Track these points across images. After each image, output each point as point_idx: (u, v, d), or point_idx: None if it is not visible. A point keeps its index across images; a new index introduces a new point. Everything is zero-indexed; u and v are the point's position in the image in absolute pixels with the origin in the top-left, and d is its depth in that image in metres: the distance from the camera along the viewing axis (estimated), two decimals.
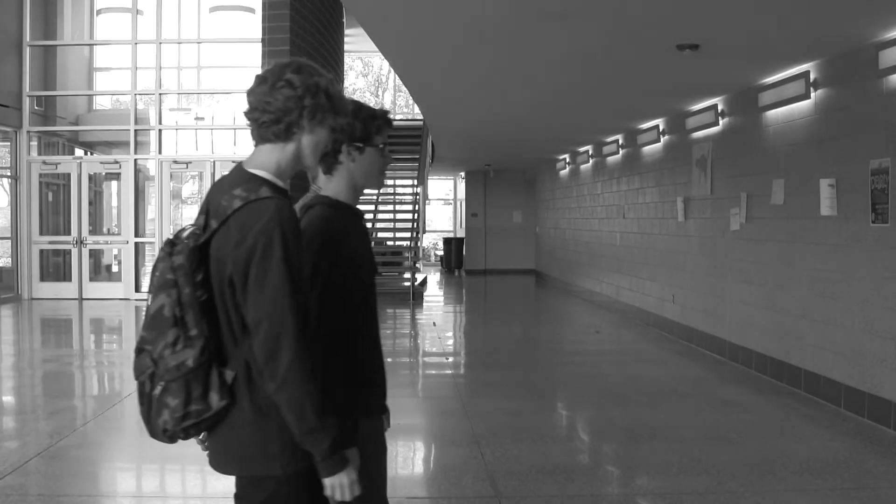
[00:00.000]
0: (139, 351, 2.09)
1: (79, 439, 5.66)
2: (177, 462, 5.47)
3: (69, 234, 14.99)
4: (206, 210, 2.13)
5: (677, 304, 9.81)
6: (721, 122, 8.61)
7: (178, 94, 16.53)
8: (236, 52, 15.78)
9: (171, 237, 2.11)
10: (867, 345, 5.95)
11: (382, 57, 9.69)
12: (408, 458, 5.64)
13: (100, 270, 16.24)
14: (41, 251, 15.03)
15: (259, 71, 2.17)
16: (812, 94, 6.73)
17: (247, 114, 2.11)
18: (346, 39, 20.28)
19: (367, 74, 34.00)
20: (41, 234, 14.98)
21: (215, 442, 2.15)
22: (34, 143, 15.28)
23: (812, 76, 6.73)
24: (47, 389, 7.63)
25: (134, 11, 15.20)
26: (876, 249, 5.82)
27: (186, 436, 2.11)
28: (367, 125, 2.47)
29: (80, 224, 14.90)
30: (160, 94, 15.27)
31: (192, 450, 6.22)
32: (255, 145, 2.16)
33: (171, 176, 15.14)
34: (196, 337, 2.03)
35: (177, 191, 15.95)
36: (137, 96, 15.33)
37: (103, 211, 16.83)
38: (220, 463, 2.17)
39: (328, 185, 2.51)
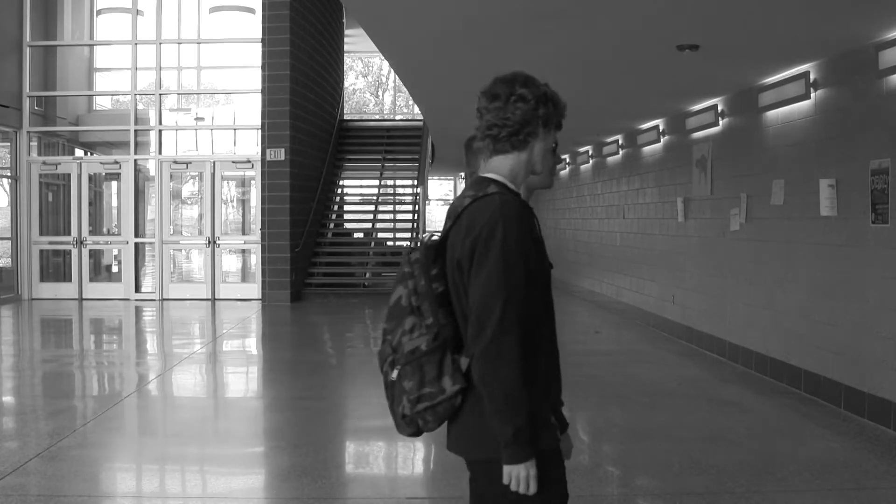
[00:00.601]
0: (382, 342, 2.28)
1: (79, 439, 5.66)
2: (177, 462, 5.48)
3: (69, 234, 14.99)
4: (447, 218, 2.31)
5: (677, 304, 9.81)
6: (721, 122, 8.61)
7: (178, 94, 16.54)
8: (236, 53, 15.79)
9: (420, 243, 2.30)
10: (867, 345, 5.95)
11: (382, 57, 9.70)
12: (408, 458, 5.64)
13: (100, 271, 16.25)
14: (41, 251, 15.03)
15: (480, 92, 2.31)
16: (812, 95, 6.73)
17: (484, 131, 2.27)
18: (346, 39, 20.31)
19: (367, 74, 34.03)
20: (41, 234, 14.98)
21: (462, 428, 2.23)
22: (34, 144, 15.28)
23: (812, 76, 6.73)
24: (47, 389, 7.63)
25: (134, 11, 15.21)
26: (876, 249, 5.82)
27: (425, 424, 2.22)
28: None
29: (80, 224, 14.90)
30: (160, 95, 15.27)
31: (192, 450, 6.20)
32: (488, 158, 2.32)
33: (171, 176, 15.14)
34: (431, 325, 2.19)
35: (177, 191, 15.95)
36: (137, 96, 15.34)
37: (103, 211, 16.83)
38: (461, 447, 2.26)
39: None
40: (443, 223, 2.32)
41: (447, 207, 2.35)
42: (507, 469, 2.09)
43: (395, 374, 2.21)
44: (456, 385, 2.16)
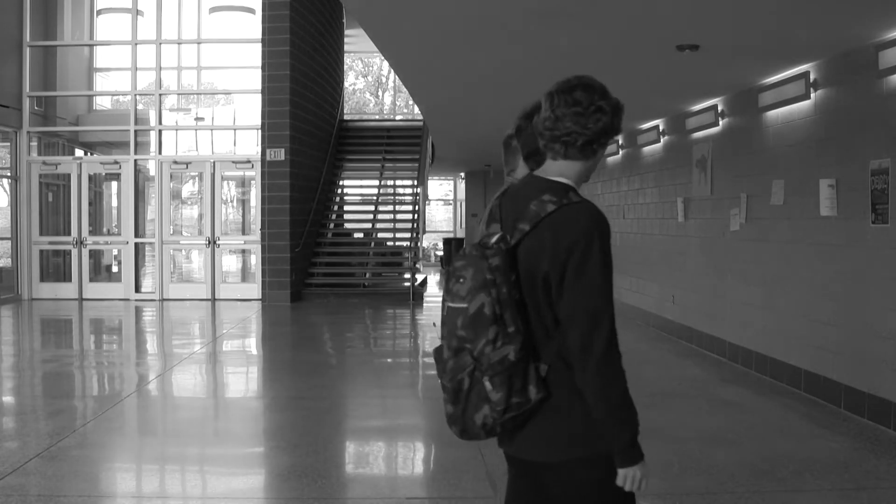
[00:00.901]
0: (458, 350, 2.20)
1: (79, 439, 5.66)
2: (177, 462, 5.48)
3: (69, 234, 14.99)
4: (499, 218, 2.30)
5: (677, 304, 9.81)
6: (721, 122, 8.61)
7: (178, 94, 16.54)
8: (236, 53, 15.78)
9: (478, 243, 2.25)
10: (867, 345, 5.95)
11: (382, 57, 9.73)
12: (408, 458, 5.64)
13: (100, 271, 16.25)
14: (41, 251, 15.03)
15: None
16: (812, 95, 6.73)
17: (560, 135, 2.24)
18: (346, 39, 20.30)
19: (367, 74, 34.03)
20: (41, 234, 14.98)
21: (533, 432, 2.24)
22: (34, 144, 15.28)
23: (812, 76, 6.73)
24: (47, 389, 7.63)
25: (134, 12, 15.21)
26: (876, 249, 5.82)
27: (503, 430, 2.22)
28: None
29: (80, 224, 14.90)
30: (160, 95, 15.27)
31: (192, 450, 6.19)
32: (551, 159, 2.30)
33: (171, 176, 15.14)
34: (514, 333, 2.15)
35: (177, 191, 15.95)
36: (137, 96, 15.34)
37: (103, 211, 16.84)
38: (531, 450, 2.27)
39: None
40: (486, 220, 2.32)
41: (501, 209, 2.31)
42: (622, 472, 2.19)
43: (483, 383, 2.17)
44: (540, 394, 2.18)
